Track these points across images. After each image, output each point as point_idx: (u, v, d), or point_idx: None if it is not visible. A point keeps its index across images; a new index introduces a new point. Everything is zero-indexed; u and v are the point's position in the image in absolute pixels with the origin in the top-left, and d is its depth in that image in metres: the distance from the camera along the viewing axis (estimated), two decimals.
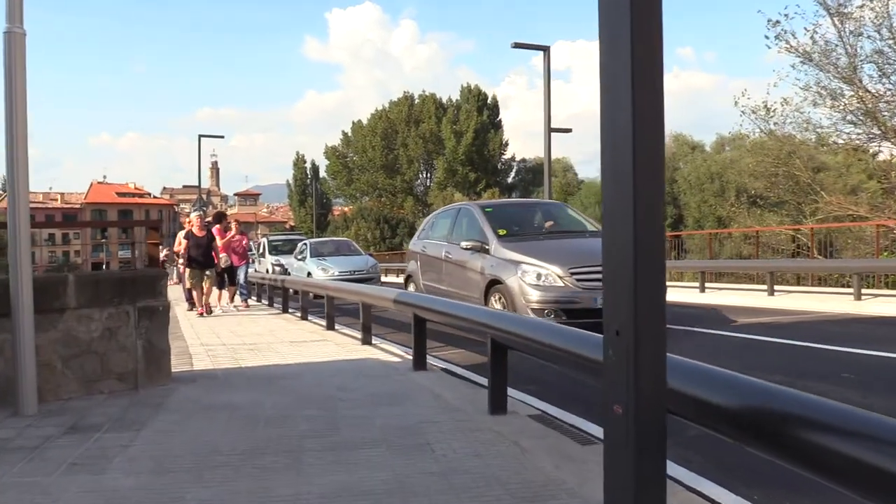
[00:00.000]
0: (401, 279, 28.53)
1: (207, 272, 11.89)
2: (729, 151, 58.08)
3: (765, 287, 13.24)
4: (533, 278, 7.63)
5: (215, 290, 12.79)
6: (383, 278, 22.54)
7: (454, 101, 62.04)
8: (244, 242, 14.10)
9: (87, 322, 5.05)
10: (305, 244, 19.63)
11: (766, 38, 16.80)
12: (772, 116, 17.56)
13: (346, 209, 68.41)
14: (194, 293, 12.17)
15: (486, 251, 8.37)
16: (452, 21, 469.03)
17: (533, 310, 7.46)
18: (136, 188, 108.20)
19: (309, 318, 11.11)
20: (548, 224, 9.28)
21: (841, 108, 16.38)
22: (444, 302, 5.56)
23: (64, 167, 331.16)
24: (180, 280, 15.68)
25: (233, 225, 13.95)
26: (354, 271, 17.15)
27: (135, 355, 5.24)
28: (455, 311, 5.13)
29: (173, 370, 6.02)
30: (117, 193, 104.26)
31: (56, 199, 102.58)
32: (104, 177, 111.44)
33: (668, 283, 17.42)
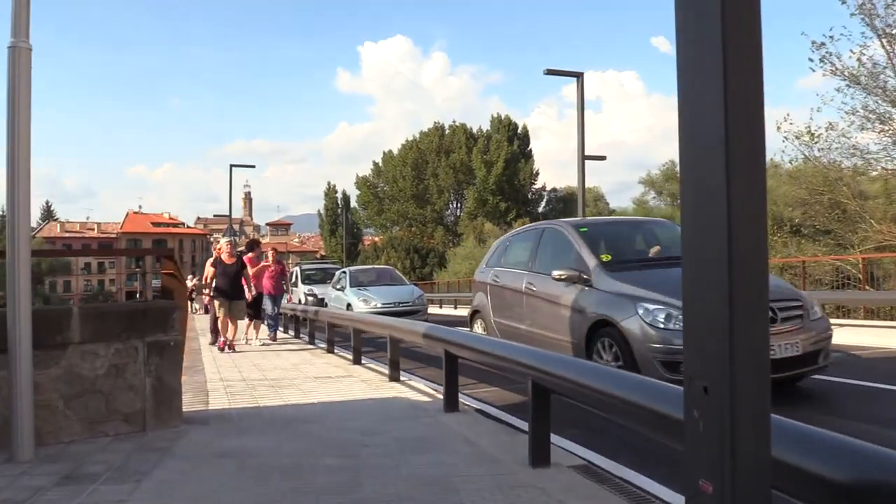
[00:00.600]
0: (446, 310, 26.96)
1: (235, 303, 10.94)
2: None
3: None
4: (661, 318, 5.67)
5: (242, 323, 11.94)
6: None
7: (484, 131, 61.99)
8: (279, 271, 13.11)
9: (91, 358, 4.66)
10: (345, 272, 18.29)
11: (811, 60, 16.25)
12: (816, 142, 16.91)
13: (376, 239, 68.38)
14: (219, 325, 11.15)
15: (587, 282, 6.55)
16: (482, 53, 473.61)
17: (663, 363, 5.54)
18: (170, 218, 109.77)
19: (335, 350, 10.69)
20: (654, 249, 7.35)
21: (891, 132, 15.71)
22: (478, 338, 5.09)
23: (100, 197, 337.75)
24: (207, 310, 14.97)
25: (269, 253, 13.25)
26: (399, 303, 15.74)
27: (143, 395, 4.84)
28: (490, 349, 4.66)
29: (187, 409, 5.61)
30: (152, 223, 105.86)
31: (93, 229, 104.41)
32: (140, 207, 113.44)
33: None
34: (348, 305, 15.67)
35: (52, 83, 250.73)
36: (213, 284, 10.93)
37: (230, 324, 10.90)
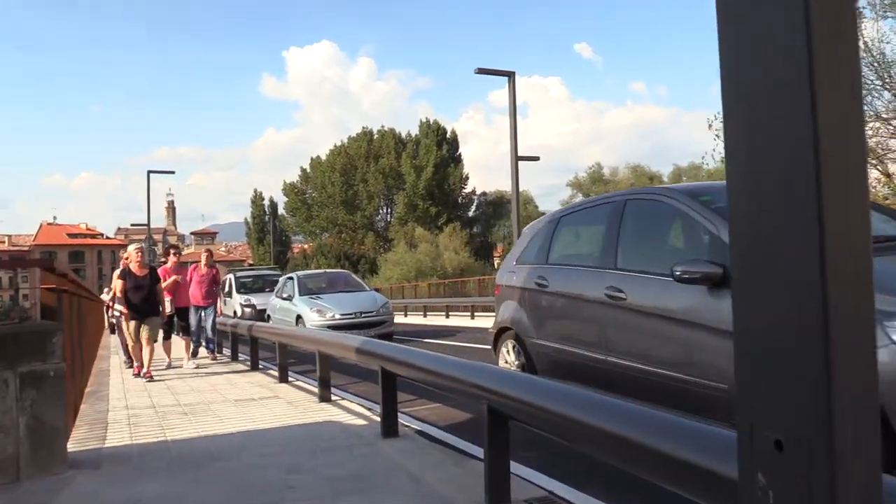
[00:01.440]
0: (414, 319, 24.86)
1: (149, 320, 9.14)
2: (686, 182, 58.61)
3: None
4: None
5: (160, 345, 10.19)
6: None
7: (413, 136, 61.46)
8: (211, 276, 11.37)
9: None
10: (291, 279, 15.48)
11: None
12: None
13: (305, 246, 66.91)
14: (130, 348, 9.40)
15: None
16: (409, 58, 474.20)
17: None
18: (87, 229, 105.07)
19: (260, 365, 9.83)
20: None
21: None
22: (420, 354, 4.41)
23: (14, 209, 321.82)
24: (113, 329, 13.23)
25: (203, 255, 11.59)
26: (361, 312, 13.40)
27: (15, 437, 3.98)
28: (435, 367, 4.00)
29: (77, 449, 4.77)
30: (68, 234, 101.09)
31: (3, 242, 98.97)
32: (54, 218, 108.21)
33: None
34: (298, 318, 13.55)
35: None
36: (126, 299, 9.10)
37: (145, 345, 9.09)
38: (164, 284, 9.96)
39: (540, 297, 5.56)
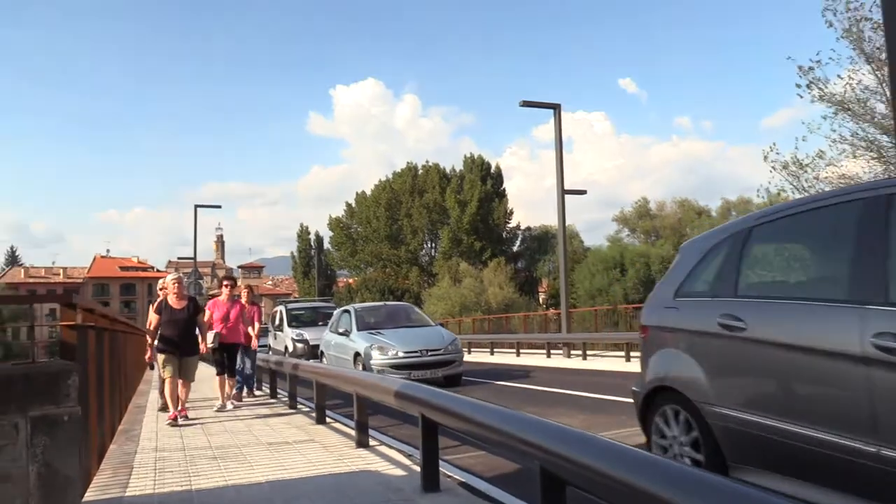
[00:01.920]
0: (479, 356, 22.14)
1: (186, 360, 8.35)
2: (736, 215, 57.26)
3: None
4: None
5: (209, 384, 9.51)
6: None
7: (458, 171, 61.44)
8: (254, 314, 10.63)
9: None
10: (348, 312, 13.95)
11: (798, 86, 15.60)
12: (804, 172, 16.20)
13: (350, 280, 67.08)
14: (167, 388, 8.40)
15: None
16: (453, 94, 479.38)
17: None
18: (139, 262, 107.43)
19: (298, 405, 9.49)
20: None
21: (882, 159, 15.05)
22: (466, 402, 3.98)
23: (70, 243, 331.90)
24: (152, 366, 12.02)
25: (243, 292, 10.77)
26: (428, 350, 12.04)
27: (25, 488, 3.66)
28: (483, 418, 3.57)
29: (95, 497, 4.44)
30: (120, 267, 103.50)
31: (59, 274, 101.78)
32: (107, 251, 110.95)
33: None
34: (356, 356, 12.31)
35: (18, 127, 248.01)
36: (160, 334, 8.30)
37: (181, 387, 8.36)
38: (207, 317, 9.50)
39: (729, 344, 3.84)
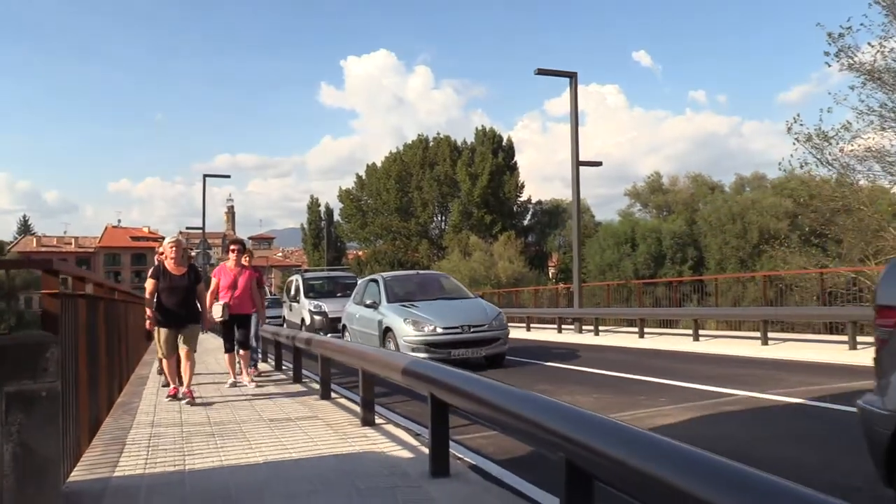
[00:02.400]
0: (518, 333, 19.01)
1: (188, 328, 7.51)
2: (750, 192, 56.43)
3: (845, 339, 11.29)
4: None
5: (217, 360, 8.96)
6: None
7: (469, 143, 60.77)
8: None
9: None
10: (377, 281, 12.30)
11: (826, 54, 15.01)
12: (828, 144, 15.66)
13: (360, 253, 66.87)
14: (164, 364, 7.79)
15: None
16: (466, 66, 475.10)
17: None
18: (150, 232, 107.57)
19: (303, 378, 9.20)
20: None
21: None
22: (480, 382, 3.62)
23: (82, 212, 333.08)
24: (150, 336, 9.62)
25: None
26: (470, 326, 10.57)
27: (0, 467, 3.37)
28: (500, 401, 3.22)
29: (81, 478, 4.17)
30: (131, 237, 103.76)
31: (70, 243, 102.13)
32: (119, 221, 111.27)
33: (715, 331, 15.27)
34: (386, 331, 10.91)
35: (32, 97, 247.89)
36: (158, 303, 7.44)
37: (183, 359, 7.53)
38: (213, 286, 8.85)
39: None
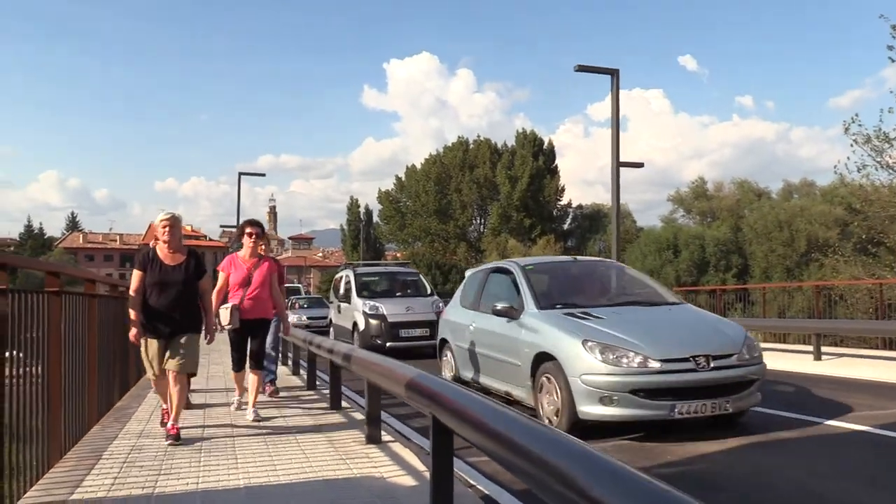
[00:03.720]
0: None
1: (182, 339, 5.37)
2: (798, 199, 54.62)
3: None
4: None
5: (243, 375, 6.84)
6: None
7: (509, 146, 60.04)
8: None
9: None
10: (511, 272, 7.55)
11: (890, 48, 14.02)
12: (890, 146, 14.63)
13: (398, 254, 66.65)
14: (152, 381, 5.72)
15: None
16: (508, 70, 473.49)
17: None
18: (193, 230, 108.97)
19: (317, 384, 8.65)
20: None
21: None
22: (490, 409, 2.96)
23: (131, 210, 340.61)
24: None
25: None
26: (709, 358, 5.69)
27: None
28: (515, 437, 2.55)
29: (39, 497, 3.64)
30: None
31: (115, 240, 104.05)
32: None
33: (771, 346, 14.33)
34: (543, 361, 6.22)
35: (83, 99, 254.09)
36: (145, 303, 5.37)
37: (172, 384, 5.34)
38: (220, 282, 6.63)
39: None
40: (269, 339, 7.52)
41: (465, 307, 8.38)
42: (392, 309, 13.43)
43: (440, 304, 13.46)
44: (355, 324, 13.86)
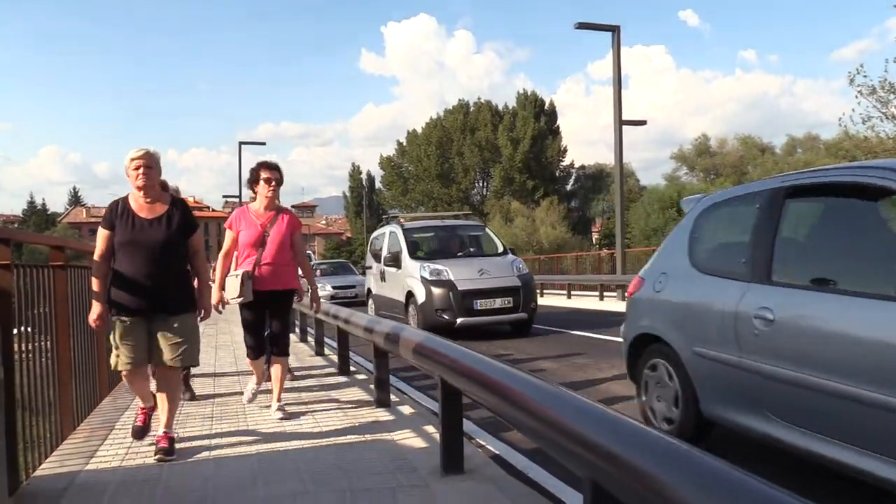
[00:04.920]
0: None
1: (166, 320, 4.02)
2: (802, 153, 54.23)
3: None
4: None
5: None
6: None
7: (510, 108, 59.57)
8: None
9: None
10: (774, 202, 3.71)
11: None
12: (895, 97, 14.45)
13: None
14: (123, 376, 4.38)
15: None
16: (508, 29, 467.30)
17: None
18: (195, 202, 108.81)
19: (325, 349, 8.70)
20: None
21: None
22: (500, 369, 2.97)
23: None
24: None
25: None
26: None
27: None
28: (525, 395, 2.58)
29: (54, 470, 3.71)
30: None
31: None
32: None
33: None
34: None
35: (81, 70, 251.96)
36: (113, 273, 4.03)
37: (163, 380, 4.21)
38: (227, 243, 5.24)
39: None
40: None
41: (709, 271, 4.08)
42: (461, 273, 10.40)
43: (522, 266, 11.20)
44: (410, 294, 10.69)
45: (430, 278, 10.42)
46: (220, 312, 5.14)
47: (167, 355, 4.01)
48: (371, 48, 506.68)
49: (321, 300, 5.80)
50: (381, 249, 12.49)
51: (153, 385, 4.42)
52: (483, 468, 3.70)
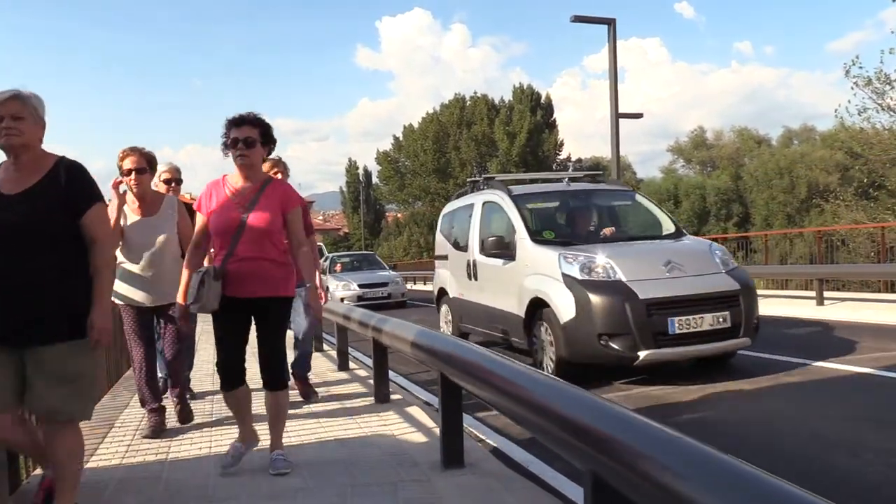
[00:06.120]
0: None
1: (38, 356, 2.69)
2: (798, 145, 54.29)
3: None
4: None
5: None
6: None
7: (507, 102, 59.53)
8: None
9: None
10: None
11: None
12: (891, 88, 14.47)
13: (399, 215, 66.61)
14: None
15: None
16: (503, 23, 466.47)
17: None
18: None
19: (324, 345, 8.72)
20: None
21: None
22: (500, 364, 2.96)
23: None
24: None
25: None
26: None
27: None
28: (526, 391, 2.58)
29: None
30: None
31: None
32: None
33: (771, 292, 14.34)
34: None
35: (77, 68, 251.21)
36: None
37: (52, 439, 2.81)
38: (198, 226, 3.75)
39: None
40: (303, 324, 5.58)
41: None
42: (635, 268, 6.04)
43: (728, 258, 6.64)
44: (539, 304, 6.33)
45: (580, 278, 5.93)
46: (187, 331, 3.96)
47: (36, 404, 2.75)
48: (366, 43, 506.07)
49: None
50: (467, 230, 8.15)
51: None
52: (483, 462, 3.71)
